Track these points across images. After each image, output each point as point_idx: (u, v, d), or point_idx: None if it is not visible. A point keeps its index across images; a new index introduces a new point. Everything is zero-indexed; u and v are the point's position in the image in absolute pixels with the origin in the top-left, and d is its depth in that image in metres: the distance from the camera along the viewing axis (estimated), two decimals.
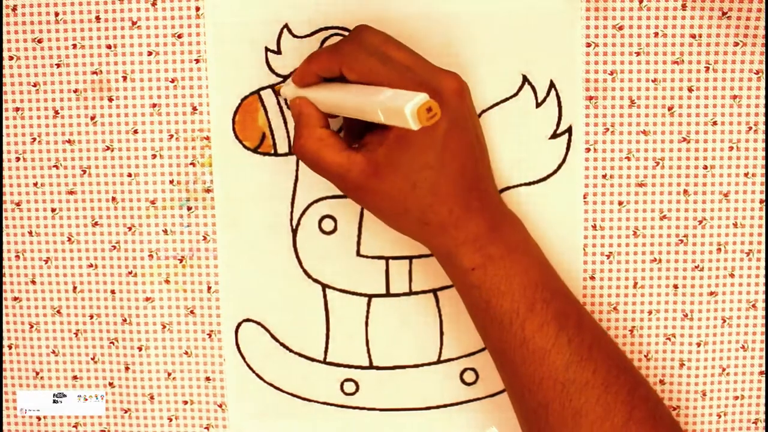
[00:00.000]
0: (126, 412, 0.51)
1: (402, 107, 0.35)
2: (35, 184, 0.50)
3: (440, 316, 0.50)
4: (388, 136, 0.41)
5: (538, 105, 0.48)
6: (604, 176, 0.48)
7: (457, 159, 0.42)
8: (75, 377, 0.51)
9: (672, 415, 0.45)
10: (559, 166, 0.48)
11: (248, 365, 0.51)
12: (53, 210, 0.50)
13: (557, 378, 0.42)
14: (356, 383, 0.51)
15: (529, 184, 0.48)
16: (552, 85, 0.48)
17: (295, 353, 0.51)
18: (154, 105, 0.49)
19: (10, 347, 0.51)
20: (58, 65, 0.48)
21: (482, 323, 0.44)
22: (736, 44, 0.47)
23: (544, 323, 0.42)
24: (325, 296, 0.50)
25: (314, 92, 0.44)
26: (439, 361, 0.50)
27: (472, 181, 0.43)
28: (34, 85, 0.49)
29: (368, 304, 0.50)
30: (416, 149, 0.41)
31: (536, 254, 0.45)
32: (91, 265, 0.50)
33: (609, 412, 0.42)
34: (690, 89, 0.47)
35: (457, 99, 0.42)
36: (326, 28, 0.48)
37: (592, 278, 0.49)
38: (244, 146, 0.49)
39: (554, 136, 0.48)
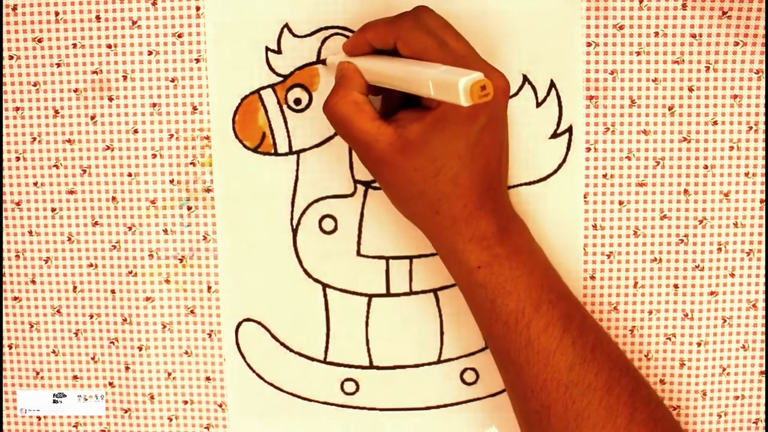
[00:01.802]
0: (126, 411, 0.51)
1: (456, 81, 0.35)
2: (35, 184, 0.50)
3: (440, 315, 0.50)
4: (425, 116, 0.41)
5: (538, 104, 0.48)
6: (604, 176, 0.48)
7: (486, 156, 0.42)
8: (75, 377, 0.51)
9: (672, 416, 0.45)
10: (560, 166, 0.48)
11: (248, 365, 0.51)
12: (53, 210, 0.50)
13: (561, 380, 0.42)
14: (356, 383, 0.51)
15: (530, 183, 0.48)
16: (552, 84, 0.48)
17: (296, 353, 0.50)
18: (154, 104, 0.49)
19: (10, 347, 0.51)
20: (59, 65, 0.48)
21: (486, 323, 0.44)
22: (736, 44, 0.47)
23: (550, 324, 0.42)
24: (325, 296, 0.50)
25: (363, 61, 0.44)
26: (439, 361, 0.50)
27: (492, 181, 0.43)
28: (34, 85, 0.49)
29: (368, 304, 0.50)
30: (451, 135, 0.41)
31: (541, 257, 0.45)
32: (91, 265, 0.50)
33: (611, 414, 0.42)
34: (690, 89, 0.47)
35: (502, 98, 0.42)
36: (326, 28, 0.48)
37: (593, 278, 0.49)
38: (244, 146, 0.49)
39: (554, 135, 0.48)
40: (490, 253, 0.42)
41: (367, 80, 0.43)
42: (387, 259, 0.50)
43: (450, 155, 0.41)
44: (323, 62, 0.48)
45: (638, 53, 0.47)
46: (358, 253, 0.50)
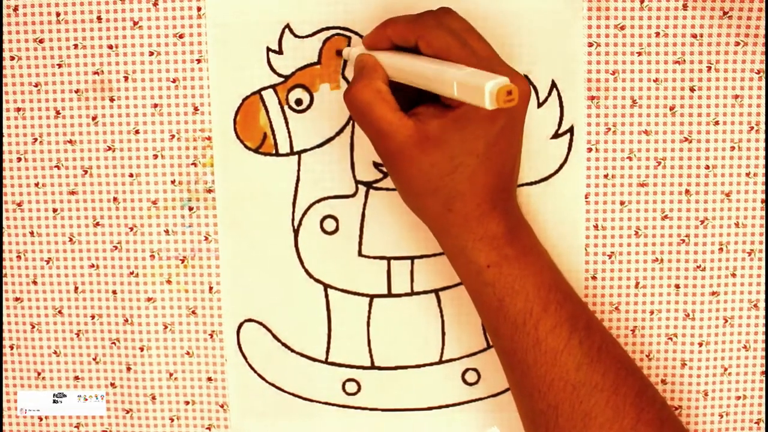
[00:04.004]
0: (128, 412, 0.51)
1: (483, 85, 0.35)
2: (36, 185, 0.50)
3: (442, 316, 0.50)
4: (446, 113, 0.41)
5: (539, 105, 0.48)
6: (605, 176, 0.48)
7: (502, 157, 0.42)
8: (76, 377, 0.51)
9: (677, 417, 0.45)
10: (561, 166, 0.48)
11: (250, 365, 0.51)
12: (54, 210, 0.50)
13: (568, 379, 0.42)
14: (358, 383, 0.51)
15: (531, 183, 0.48)
16: (553, 85, 0.48)
17: (297, 353, 0.50)
18: (156, 105, 0.49)
19: (11, 347, 0.51)
20: (60, 65, 0.48)
21: (494, 323, 0.44)
22: (737, 44, 0.47)
23: (557, 324, 0.42)
24: (326, 296, 0.50)
25: (383, 55, 0.43)
26: (440, 362, 0.50)
27: (505, 182, 0.43)
28: (36, 85, 0.49)
29: (370, 305, 0.50)
30: (470, 133, 0.41)
31: (547, 258, 0.45)
32: (92, 266, 0.50)
33: (618, 414, 0.42)
34: (691, 89, 0.47)
35: (523, 102, 0.42)
36: (327, 28, 0.48)
37: (594, 278, 0.49)
38: (246, 146, 0.49)
39: (556, 135, 0.48)
40: (499, 253, 0.42)
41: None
42: (388, 259, 0.50)
43: (468, 154, 0.41)
44: (339, 53, 0.47)
45: (639, 53, 0.47)
46: (360, 254, 0.50)
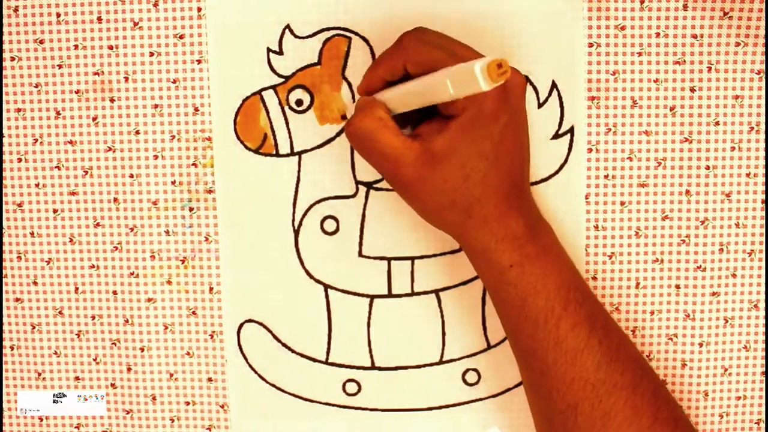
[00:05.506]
0: (128, 412, 0.51)
1: (472, 67, 0.35)
2: (37, 185, 0.50)
3: (442, 316, 0.50)
4: (448, 125, 0.41)
5: (540, 105, 0.48)
6: (605, 176, 0.48)
7: (510, 154, 0.42)
8: (77, 378, 0.51)
9: (687, 417, 0.45)
10: (561, 167, 0.48)
11: (250, 366, 0.51)
12: (55, 211, 0.50)
13: (588, 379, 0.42)
14: (358, 384, 0.51)
15: (532, 184, 0.48)
16: (554, 85, 0.48)
17: (297, 354, 0.51)
18: (156, 106, 0.49)
19: (11, 348, 0.51)
20: (60, 66, 0.48)
21: (515, 322, 0.44)
22: (737, 44, 0.47)
23: (577, 323, 0.42)
24: (327, 297, 0.50)
25: (379, 95, 0.44)
26: (441, 362, 0.50)
27: (518, 179, 0.43)
28: (36, 86, 0.49)
29: (370, 305, 0.50)
30: (476, 137, 0.41)
31: (566, 257, 0.45)
32: (92, 266, 0.50)
33: (636, 413, 0.42)
34: (692, 89, 0.47)
35: (520, 95, 0.42)
36: (328, 29, 0.48)
37: (594, 278, 0.49)
38: (246, 147, 0.49)
39: (556, 136, 0.48)
40: (521, 253, 0.42)
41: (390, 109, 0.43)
42: (389, 260, 0.50)
43: (478, 158, 0.41)
44: (344, 117, 0.48)
45: (639, 54, 0.47)
46: (360, 254, 0.50)
